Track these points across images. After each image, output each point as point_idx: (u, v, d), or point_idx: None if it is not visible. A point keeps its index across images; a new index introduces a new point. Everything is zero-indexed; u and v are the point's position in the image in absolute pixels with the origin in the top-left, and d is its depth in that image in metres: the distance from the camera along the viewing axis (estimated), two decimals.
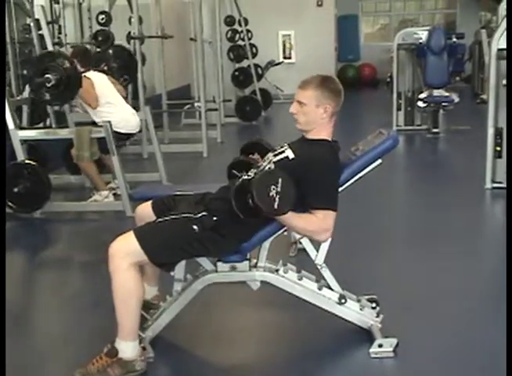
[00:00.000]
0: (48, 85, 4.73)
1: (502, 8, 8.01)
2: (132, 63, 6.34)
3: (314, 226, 2.61)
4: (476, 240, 4.34)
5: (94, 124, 5.36)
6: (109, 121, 5.03)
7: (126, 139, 5.67)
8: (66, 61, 4.80)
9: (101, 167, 5.53)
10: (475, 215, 4.89)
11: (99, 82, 5.41)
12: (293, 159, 2.67)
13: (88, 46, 6.00)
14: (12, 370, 2.66)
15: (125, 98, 7.14)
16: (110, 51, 6.24)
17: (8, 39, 7.04)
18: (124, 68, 6.17)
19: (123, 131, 5.41)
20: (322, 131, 2.72)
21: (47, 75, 4.72)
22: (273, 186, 2.45)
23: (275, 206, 2.45)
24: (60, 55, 5.03)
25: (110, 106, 5.37)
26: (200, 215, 2.61)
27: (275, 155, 2.74)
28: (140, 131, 7.40)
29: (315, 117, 2.69)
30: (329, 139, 2.75)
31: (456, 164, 6.92)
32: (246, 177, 2.72)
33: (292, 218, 2.57)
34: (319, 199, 2.60)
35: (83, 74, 5.09)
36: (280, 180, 2.47)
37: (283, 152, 2.72)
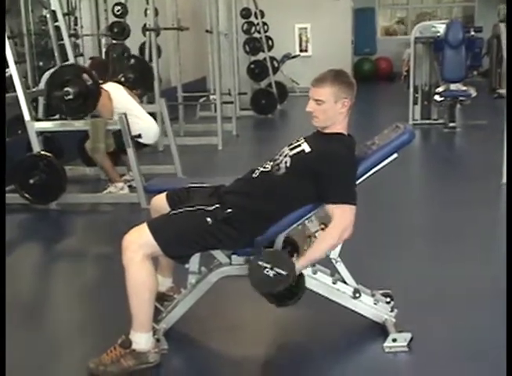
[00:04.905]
0: (67, 98, 4.79)
1: None
2: (149, 74, 6.44)
3: (335, 236, 2.60)
4: (491, 236, 4.30)
5: None
6: (124, 113, 5.04)
7: (142, 147, 5.65)
8: (86, 75, 4.85)
9: (116, 158, 5.53)
10: (491, 211, 4.84)
11: (116, 94, 5.45)
12: (309, 153, 2.66)
13: (104, 58, 6.07)
14: (27, 361, 2.68)
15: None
16: (128, 62, 6.35)
17: (24, 31, 7.09)
18: (140, 79, 6.25)
19: (141, 141, 5.45)
20: (338, 125, 2.72)
21: (66, 88, 4.78)
22: (265, 270, 2.49)
23: (286, 275, 2.49)
24: (80, 68, 5.10)
25: (130, 116, 5.22)
26: (213, 207, 2.61)
27: (291, 149, 2.73)
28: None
29: (334, 112, 2.68)
30: (345, 132, 2.74)
31: (472, 160, 6.86)
32: (263, 169, 2.71)
33: (312, 253, 2.62)
34: (337, 193, 2.59)
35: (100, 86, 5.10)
36: (264, 257, 2.51)
37: (299, 145, 2.71)
